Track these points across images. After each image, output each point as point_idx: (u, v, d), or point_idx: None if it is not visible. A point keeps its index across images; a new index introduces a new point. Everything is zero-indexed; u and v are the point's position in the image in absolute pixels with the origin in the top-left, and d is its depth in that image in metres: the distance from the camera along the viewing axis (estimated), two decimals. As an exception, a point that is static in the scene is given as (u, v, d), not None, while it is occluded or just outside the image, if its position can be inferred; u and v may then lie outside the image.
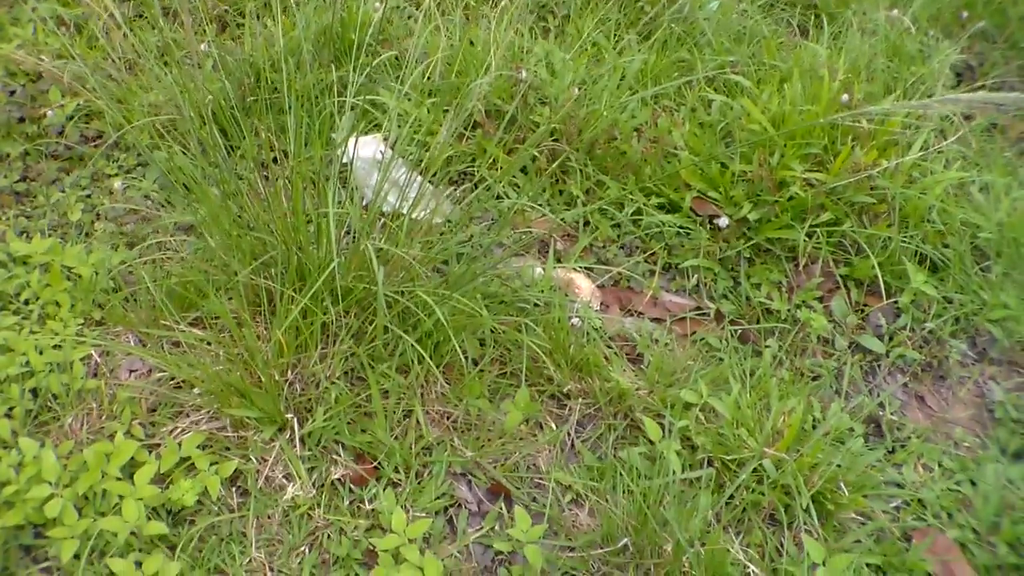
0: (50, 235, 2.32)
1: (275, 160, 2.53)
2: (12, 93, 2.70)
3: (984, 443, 2.24)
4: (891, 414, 2.26)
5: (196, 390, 1.97)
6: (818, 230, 2.54)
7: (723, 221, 2.54)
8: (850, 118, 2.66)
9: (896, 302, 2.48)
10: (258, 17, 3.07)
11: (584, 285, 2.40)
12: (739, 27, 3.40)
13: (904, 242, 2.53)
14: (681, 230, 2.58)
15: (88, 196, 2.48)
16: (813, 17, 3.63)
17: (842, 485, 1.97)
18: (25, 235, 2.33)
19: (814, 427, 2.10)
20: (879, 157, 2.58)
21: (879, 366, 2.38)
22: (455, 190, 2.62)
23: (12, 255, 2.21)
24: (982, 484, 2.09)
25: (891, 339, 2.42)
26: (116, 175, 2.55)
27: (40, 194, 2.46)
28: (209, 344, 2.04)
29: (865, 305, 2.50)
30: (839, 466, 1.97)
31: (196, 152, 2.19)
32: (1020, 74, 3.60)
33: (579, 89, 2.79)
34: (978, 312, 2.48)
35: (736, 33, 3.37)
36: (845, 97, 2.73)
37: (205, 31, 3.01)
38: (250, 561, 1.74)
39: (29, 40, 2.86)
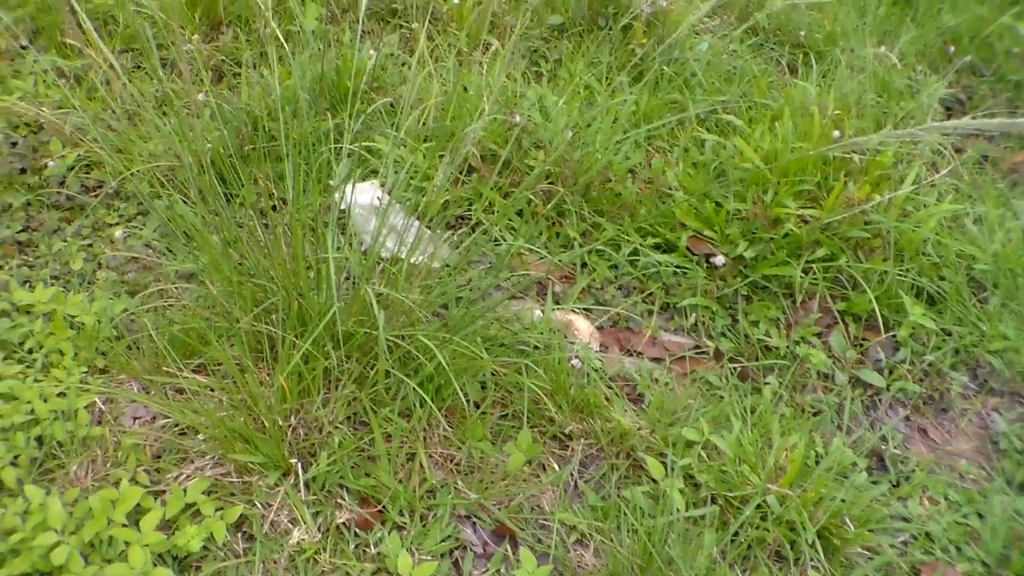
0: (52, 284, 2.33)
1: (274, 207, 2.55)
2: (14, 145, 2.72)
3: (990, 475, 2.24)
4: (894, 448, 2.26)
5: (200, 436, 1.97)
6: (814, 266, 2.55)
7: (719, 259, 2.56)
8: (841, 152, 2.69)
9: (895, 335, 2.49)
10: (255, 66, 3.10)
11: (583, 326, 2.41)
12: (729, 67, 3.44)
13: (900, 275, 2.54)
14: (678, 269, 2.60)
15: (90, 245, 2.50)
16: (802, 56, 3.67)
17: (847, 520, 1.97)
18: (28, 284, 2.34)
19: (817, 462, 2.10)
20: (872, 192, 2.61)
21: (880, 400, 2.39)
22: (452, 234, 2.63)
23: (15, 304, 2.22)
24: (990, 516, 2.09)
25: (891, 373, 2.43)
26: (117, 224, 2.57)
27: (42, 244, 2.47)
28: (212, 390, 2.04)
29: (864, 339, 2.51)
30: (843, 501, 1.97)
31: (196, 200, 2.20)
32: (1009, 106, 3.64)
33: (573, 132, 2.82)
34: (977, 344, 2.50)
35: (726, 73, 3.40)
36: (836, 133, 2.76)
37: (203, 81, 3.04)
38: (257, 607, 1.74)
39: (30, 92, 2.89)
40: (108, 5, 3.33)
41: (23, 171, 2.66)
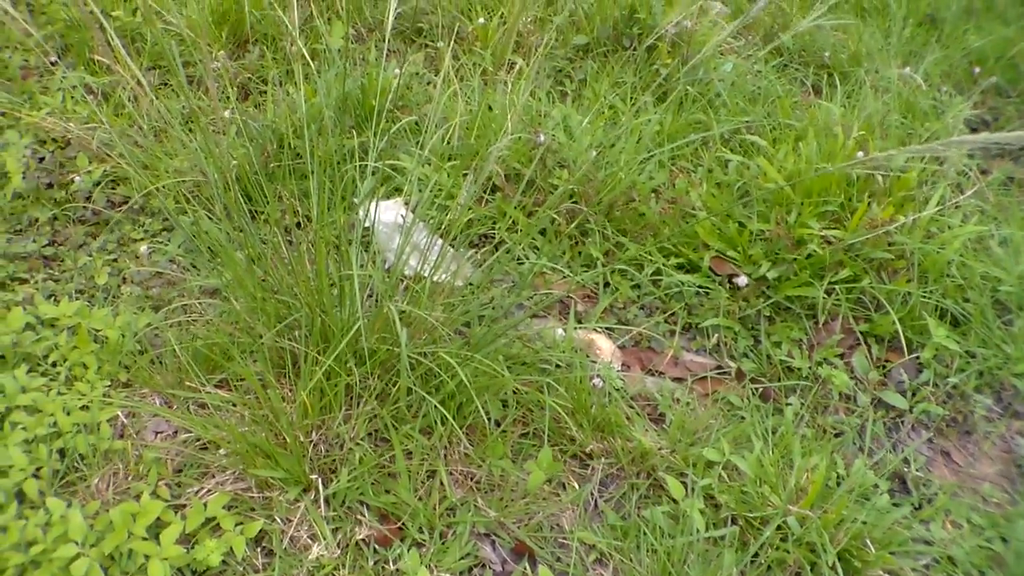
0: (77, 298, 2.35)
1: (298, 224, 2.56)
2: (41, 160, 2.75)
3: (1013, 499, 2.22)
4: (916, 470, 2.24)
5: (222, 451, 1.98)
6: (837, 287, 2.55)
7: (742, 280, 2.55)
8: (865, 172, 2.68)
9: (918, 357, 2.48)
10: (280, 84, 3.12)
11: (605, 346, 2.41)
12: (753, 87, 3.44)
13: (924, 297, 2.53)
14: (700, 290, 2.59)
15: (115, 260, 2.52)
16: (826, 76, 3.67)
17: (868, 542, 1.95)
18: (53, 298, 2.36)
19: (838, 484, 2.09)
20: (896, 213, 2.60)
21: (902, 422, 2.37)
22: (476, 253, 2.64)
23: (40, 318, 2.23)
24: (1013, 541, 2.07)
25: (914, 395, 2.42)
26: (142, 239, 2.59)
27: (68, 258, 2.49)
28: (234, 405, 2.05)
29: (887, 361, 2.49)
30: (865, 523, 1.96)
31: (221, 216, 2.22)
32: (1035, 129, 3.63)
33: (597, 151, 2.82)
34: (1002, 366, 2.48)
35: (750, 93, 3.40)
36: (860, 154, 2.75)
37: (229, 98, 3.06)
38: (275, 623, 1.74)
39: (58, 108, 2.92)
40: (136, 23, 3.36)
41: (50, 186, 2.68)
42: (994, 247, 2.74)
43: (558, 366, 2.24)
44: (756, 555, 1.93)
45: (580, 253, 2.68)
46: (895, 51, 3.84)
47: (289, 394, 2.06)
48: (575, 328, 2.42)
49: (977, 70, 3.85)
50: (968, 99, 3.50)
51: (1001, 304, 2.63)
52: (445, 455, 2.05)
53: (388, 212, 2.56)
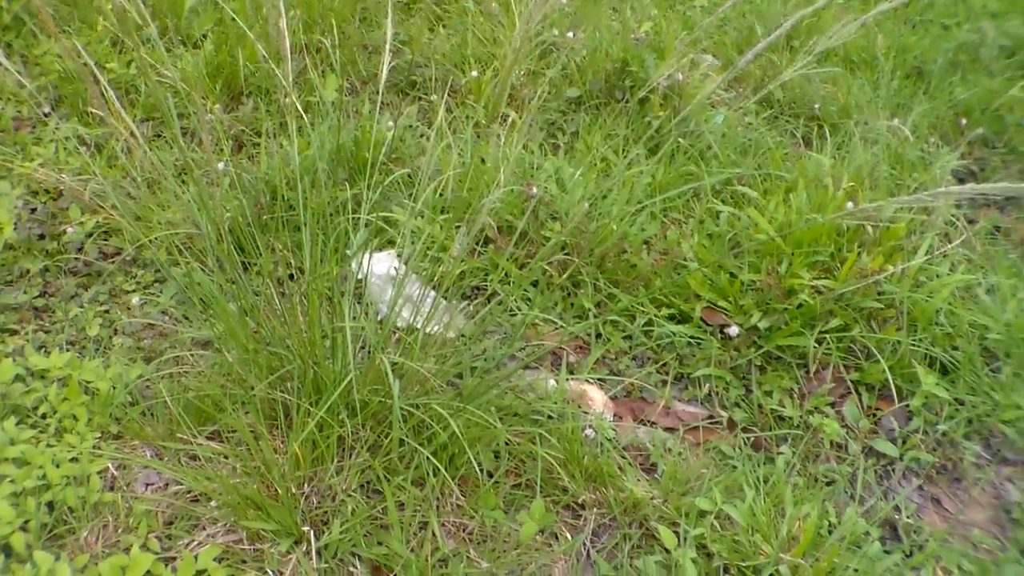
0: (68, 350, 2.35)
1: (291, 276, 2.57)
2: (33, 211, 2.77)
3: (1003, 545, 2.22)
4: (907, 517, 2.24)
5: (213, 503, 1.97)
6: (828, 336, 2.56)
7: (733, 330, 2.56)
8: (854, 223, 2.70)
9: (908, 405, 2.48)
10: (274, 136, 3.15)
11: (597, 396, 2.41)
12: (744, 139, 3.47)
13: (913, 346, 2.54)
14: (692, 340, 2.60)
15: (106, 311, 2.52)
16: (816, 128, 3.70)
17: (860, 591, 1.95)
18: (43, 350, 2.36)
19: (830, 532, 2.08)
20: (885, 263, 2.62)
21: (893, 470, 2.37)
22: (468, 304, 2.65)
23: (30, 369, 2.24)
24: (1003, 587, 2.07)
25: (904, 442, 2.42)
26: (134, 291, 2.60)
27: (59, 309, 2.50)
28: (226, 457, 2.05)
29: (877, 409, 2.50)
30: (856, 571, 1.96)
31: (214, 268, 2.23)
32: (1021, 178, 3.66)
33: (589, 203, 2.84)
34: (991, 413, 2.48)
35: (741, 145, 3.43)
36: (850, 205, 2.78)
37: (222, 150, 3.09)
38: (266, 676, 1.73)
39: (51, 159, 2.94)
40: (131, 75, 3.39)
41: (42, 237, 2.69)
42: (982, 295, 2.76)
43: (550, 417, 2.25)
44: (749, 605, 1.92)
45: (572, 304, 2.69)
46: (883, 103, 3.88)
47: (281, 446, 2.06)
48: (567, 379, 2.42)
49: (963, 121, 3.89)
50: (955, 150, 3.53)
51: (989, 352, 2.63)
52: (437, 506, 2.05)
53: (381, 264, 2.57)
